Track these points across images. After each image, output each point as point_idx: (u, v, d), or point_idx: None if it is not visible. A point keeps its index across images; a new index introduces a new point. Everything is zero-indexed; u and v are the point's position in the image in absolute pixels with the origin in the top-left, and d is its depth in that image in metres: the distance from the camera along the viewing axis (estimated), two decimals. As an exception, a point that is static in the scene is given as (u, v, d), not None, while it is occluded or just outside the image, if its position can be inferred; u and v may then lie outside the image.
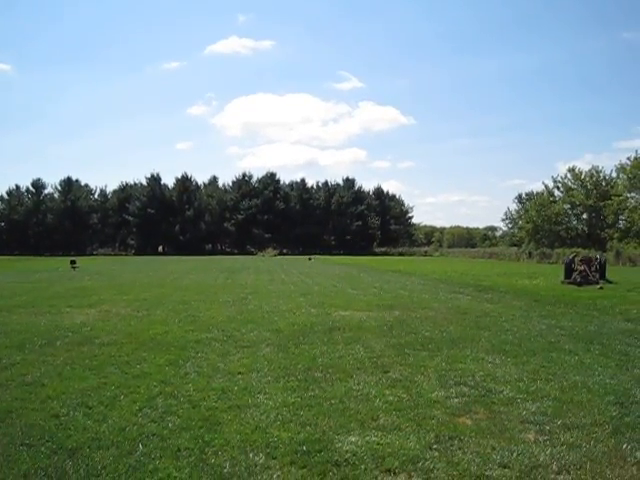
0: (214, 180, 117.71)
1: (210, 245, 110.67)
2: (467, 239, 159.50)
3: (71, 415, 7.32)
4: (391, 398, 8.03)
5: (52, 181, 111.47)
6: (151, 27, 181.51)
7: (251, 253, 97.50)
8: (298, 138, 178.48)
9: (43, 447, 6.26)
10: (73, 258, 49.90)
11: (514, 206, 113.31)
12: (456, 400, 7.98)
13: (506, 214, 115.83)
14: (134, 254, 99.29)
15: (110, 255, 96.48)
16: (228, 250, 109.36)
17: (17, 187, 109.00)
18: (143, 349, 11.49)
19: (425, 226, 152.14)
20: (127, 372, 9.54)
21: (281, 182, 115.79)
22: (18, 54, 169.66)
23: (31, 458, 5.94)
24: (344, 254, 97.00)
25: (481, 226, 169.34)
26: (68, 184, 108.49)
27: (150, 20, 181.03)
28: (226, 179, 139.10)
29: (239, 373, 9.47)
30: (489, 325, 14.92)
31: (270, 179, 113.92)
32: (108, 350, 11.38)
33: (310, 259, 70.16)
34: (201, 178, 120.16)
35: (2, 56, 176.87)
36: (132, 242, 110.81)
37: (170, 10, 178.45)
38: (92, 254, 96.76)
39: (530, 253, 73.00)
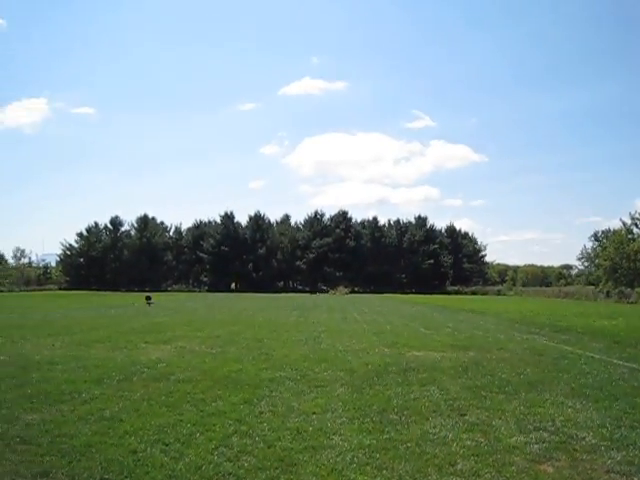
0: (286, 218, 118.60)
1: (282, 283, 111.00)
2: (541, 278, 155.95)
3: (149, 451, 7.40)
4: (469, 442, 7.86)
5: (129, 218, 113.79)
6: (228, 71, 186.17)
7: (323, 291, 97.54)
8: (370, 176, 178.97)
9: (121, 483, 6.34)
10: (148, 294, 50.76)
11: (590, 244, 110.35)
12: (536, 446, 7.76)
13: (582, 252, 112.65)
14: (207, 291, 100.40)
15: (184, 291, 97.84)
16: (300, 288, 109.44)
17: (96, 224, 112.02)
18: (218, 387, 11.56)
19: (498, 264, 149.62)
20: (202, 410, 9.61)
21: (352, 220, 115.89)
22: (100, 97, 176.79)
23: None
24: (416, 292, 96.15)
25: (556, 264, 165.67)
26: (144, 221, 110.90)
27: (227, 64, 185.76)
28: (298, 217, 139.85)
29: (314, 413, 9.43)
30: (567, 368, 14.52)
31: (342, 217, 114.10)
32: (184, 387, 11.50)
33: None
34: (273, 216, 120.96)
35: (85, 99, 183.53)
36: (205, 279, 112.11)
37: (246, 54, 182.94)
38: (166, 290, 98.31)
39: (608, 292, 71.08)
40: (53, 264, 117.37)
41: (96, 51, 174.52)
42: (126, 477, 6.52)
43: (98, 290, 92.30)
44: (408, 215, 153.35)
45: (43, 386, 11.45)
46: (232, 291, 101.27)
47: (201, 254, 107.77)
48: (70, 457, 7.17)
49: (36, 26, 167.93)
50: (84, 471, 6.70)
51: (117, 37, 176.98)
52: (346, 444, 7.76)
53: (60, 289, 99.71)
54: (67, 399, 10.40)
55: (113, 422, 8.78)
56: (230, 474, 6.63)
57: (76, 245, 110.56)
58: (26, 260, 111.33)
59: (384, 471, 6.76)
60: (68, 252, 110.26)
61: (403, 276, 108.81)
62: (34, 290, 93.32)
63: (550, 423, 8.91)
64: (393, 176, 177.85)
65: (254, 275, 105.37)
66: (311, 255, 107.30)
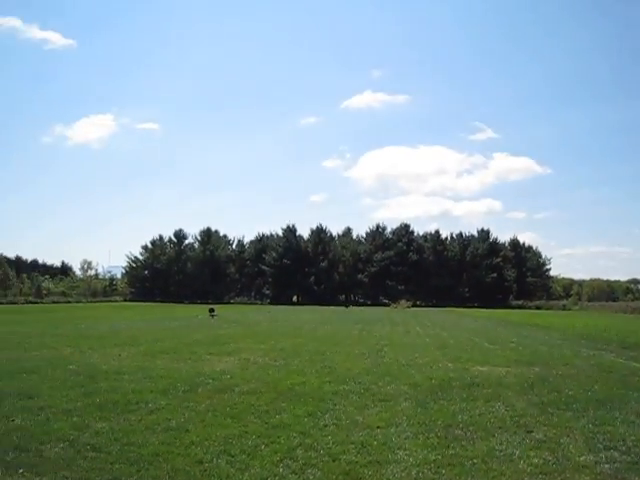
0: (348, 231, 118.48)
1: (343, 296, 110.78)
2: (608, 292, 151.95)
3: (214, 462, 7.47)
4: (536, 460, 7.71)
5: (193, 231, 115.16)
6: (290, 85, 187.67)
7: (384, 304, 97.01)
8: (432, 189, 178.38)
9: (189, 493, 6.41)
10: (212, 306, 51.29)
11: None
12: (607, 466, 7.57)
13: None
14: (269, 303, 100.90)
15: (246, 304, 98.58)
16: (361, 301, 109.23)
17: (160, 237, 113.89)
18: (282, 399, 11.61)
19: (563, 278, 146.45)
20: (267, 422, 9.66)
21: (414, 233, 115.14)
22: (164, 113, 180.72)
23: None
24: (478, 307, 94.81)
25: (623, 279, 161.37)
26: (208, 234, 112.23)
27: (288, 79, 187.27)
28: (360, 231, 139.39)
29: (378, 427, 9.39)
30: (638, 385, 14.14)
31: (404, 231, 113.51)
32: (248, 399, 11.58)
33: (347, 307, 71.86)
34: (335, 229, 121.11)
35: (150, 115, 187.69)
36: (267, 292, 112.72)
37: (307, 68, 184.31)
38: (229, 302, 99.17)
39: (679, 309, 69.09)
40: (119, 276, 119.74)
41: (160, 69, 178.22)
42: (193, 487, 6.60)
43: (162, 302, 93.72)
44: (470, 228, 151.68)
45: (111, 395, 11.69)
46: (294, 304, 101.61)
47: (263, 267, 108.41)
48: (138, 466, 7.29)
49: (104, 46, 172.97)
50: (152, 480, 6.81)
51: (180, 54, 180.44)
52: (411, 459, 7.70)
53: (125, 300, 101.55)
54: (134, 409, 10.59)
55: (179, 432, 8.91)
56: (295, 486, 6.66)
57: (141, 257, 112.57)
58: (93, 272, 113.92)
59: (450, 487, 6.69)
60: (133, 264, 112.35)
61: (466, 290, 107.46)
62: (100, 301, 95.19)
63: (621, 442, 8.68)
64: (455, 189, 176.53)
65: (316, 288, 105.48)
66: (373, 268, 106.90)
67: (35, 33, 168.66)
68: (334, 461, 7.59)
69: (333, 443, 8.40)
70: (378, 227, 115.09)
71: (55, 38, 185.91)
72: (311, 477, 6.97)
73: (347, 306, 73.93)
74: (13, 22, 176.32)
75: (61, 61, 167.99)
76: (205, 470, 7.16)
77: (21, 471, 7.03)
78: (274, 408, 10.74)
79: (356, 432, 9.08)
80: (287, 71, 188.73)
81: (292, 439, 8.59)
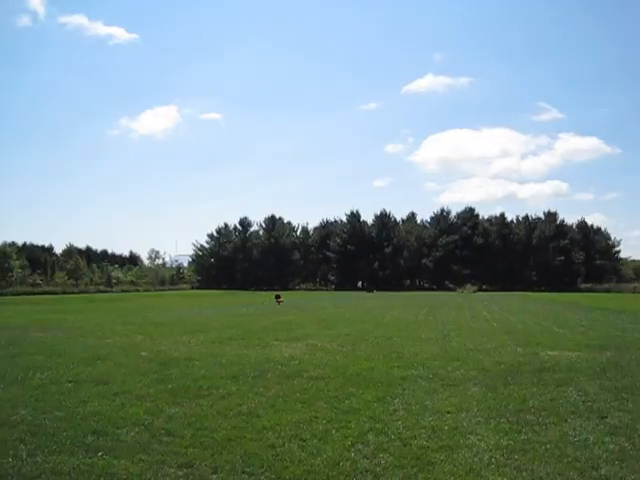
0: (412, 216, 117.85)
1: (408, 281, 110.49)
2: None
3: (286, 447, 7.55)
4: (612, 446, 7.55)
5: (257, 219, 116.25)
6: (350, 71, 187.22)
7: (450, 289, 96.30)
8: (496, 172, 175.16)
9: (263, 476, 6.52)
10: (278, 293, 51.70)
11: None
12: (686, 452, 7.37)
13: None
14: (334, 289, 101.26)
15: (311, 290, 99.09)
16: (426, 286, 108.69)
17: (226, 225, 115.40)
18: (350, 384, 11.65)
19: (633, 261, 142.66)
20: (337, 407, 9.70)
21: (479, 217, 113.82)
22: (226, 103, 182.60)
23: (251, 487, 6.18)
24: (546, 290, 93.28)
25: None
26: (272, 222, 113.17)
27: (349, 64, 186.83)
28: (424, 215, 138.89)
29: (448, 412, 9.34)
30: None
31: (468, 214, 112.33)
32: (317, 384, 11.65)
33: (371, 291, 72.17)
34: (399, 214, 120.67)
35: (213, 105, 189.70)
36: (332, 278, 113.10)
37: (368, 53, 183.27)
38: (294, 289, 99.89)
39: None
40: (185, 265, 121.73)
41: (221, 59, 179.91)
42: (266, 471, 6.67)
43: (228, 289, 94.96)
44: (537, 211, 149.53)
45: (183, 381, 11.90)
46: (359, 289, 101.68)
47: (328, 253, 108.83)
48: (212, 450, 7.42)
49: (165, 39, 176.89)
50: (226, 464, 6.91)
51: (240, 46, 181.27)
52: (483, 444, 7.64)
53: (192, 288, 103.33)
54: (206, 394, 10.76)
55: (251, 417, 9.02)
56: (367, 471, 6.68)
57: (207, 246, 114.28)
58: (160, 261, 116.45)
59: (523, 473, 6.61)
60: (199, 253, 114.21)
61: (532, 273, 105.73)
62: (168, 290, 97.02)
63: (699, 428, 8.44)
64: (520, 171, 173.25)
65: (380, 273, 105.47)
66: (437, 253, 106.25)
67: (100, 29, 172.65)
68: (405, 446, 7.59)
69: (404, 428, 8.40)
70: (442, 211, 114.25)
71: (119, 33, 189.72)
72: (383, 462, 6.98)
73: (371, 291, 74.71)
74: (79, 20, 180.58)
75: (125, 55, 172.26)
76: (277, 455, 7.24)
77: (100, 454, 7.23)
78: (343, 393, 10.78)
79: (426, 417, 9.05)
80: (348, 57, 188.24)
81: (362, 424, 8.61)
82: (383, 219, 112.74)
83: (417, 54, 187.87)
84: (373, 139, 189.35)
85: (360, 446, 7.56)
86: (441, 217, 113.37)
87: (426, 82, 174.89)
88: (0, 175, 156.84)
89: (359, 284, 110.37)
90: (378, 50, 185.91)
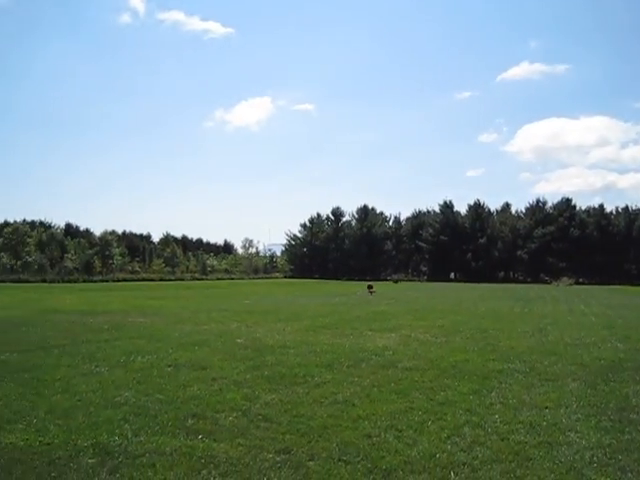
0: (506, 207, 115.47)
1: (502, 273, 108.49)
2: None
3: (382, 437, 7.56)
4: None
5: (350, 209, 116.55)
6: (443, 60, 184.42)
7: (545, 282, 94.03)
8: (594, 161, 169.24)
9: (359, 465, 6.53)
10: (370, 283, 51.70)
11: None
12: None
13: None
14: (426, 280, 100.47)
15: (403, 281, 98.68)
16: (520, 278, 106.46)
17: (318, 215, 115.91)
18: (445, 376, 11.56)
19: None
20: (432, 398, 9.65)
21: (576, 208, 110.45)
22: (318, 93, 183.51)
23: (349, 474, 6.22)
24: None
25: None
26: (364, 212, 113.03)
27: (442, 53, 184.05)
28: (518, 206, 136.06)
29: (546, 407, 9.15)
30: None
31: (565, 205, 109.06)
32: (411, 375, 11.61)
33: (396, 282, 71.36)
34: (493, 205, 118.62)
35: (305, 96, 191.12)
36: (424, 268, 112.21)
37: (461, 43, 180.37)
38: (386, 279, 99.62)
39: None
40: (278, 253, 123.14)
41: (315, 51, 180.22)
42: (362, 460, 6.70)
43: (320, 279, 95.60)
44: (638, 201, 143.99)
45: (278, 369, 12.08)
46: (451, 281, 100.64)
47: (420, 243, 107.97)
48: (309, 437, 7.50)
49: (260, 31, 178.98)
50: (322, 451, 6.98)
51: (333, 36, 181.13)
52: (584, 442, 7.45)
53: (285, 277, 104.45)
54: (301, 382, 10.88)
55: (346, 406, 9.07)
56: (464, 464, 6.61)
57: (300, 235, 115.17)
58: (254, 250, 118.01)
59: (629, 474, 6.39)
60: (292, 242, 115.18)
61: (632, 267, 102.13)
62: (261, 278, 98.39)
63: None
64: (620, 160, 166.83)
65: (473, 264, 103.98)
66: (532, 245, 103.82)
67: (196, 24, 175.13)
68: (502, 440, 7.48)
69: (500, 422, 8.27)
70: (538, 202, 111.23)
71: (215, 27, 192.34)
72: (480, 455, 6.90)
73: (396, 282, 74.40)
74: (176, 16, 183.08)
75: (221, 49, 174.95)
76: (374, 444, 7.25)
77: (200, 437, 7.42)
78: (438, 385, 10.71)
79: (524, 411, 8.89)
80: (441, 46, 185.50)
81: (458, 416, 8.54)
82: (477, 209, 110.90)
83: (512, 42, 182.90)
84: (467, 128, 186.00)
85: (456, 439, 7.50)
86: (536, 208, 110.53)
87: (521, 70, 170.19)
88: (105, 170, 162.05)
89: (451, 275, 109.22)
90: (473, 39, 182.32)
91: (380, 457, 6.78)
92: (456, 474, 6.32)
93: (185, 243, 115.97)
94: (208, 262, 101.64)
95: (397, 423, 8.15)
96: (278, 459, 6.69)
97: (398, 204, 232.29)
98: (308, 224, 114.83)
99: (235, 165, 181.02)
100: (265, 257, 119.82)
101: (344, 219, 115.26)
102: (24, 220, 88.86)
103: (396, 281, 77.17)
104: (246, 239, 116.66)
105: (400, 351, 14.72)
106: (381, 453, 6.92)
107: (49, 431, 7.61)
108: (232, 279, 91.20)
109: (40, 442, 7.19)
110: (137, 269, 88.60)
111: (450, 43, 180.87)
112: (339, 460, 6.67)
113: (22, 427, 7.79)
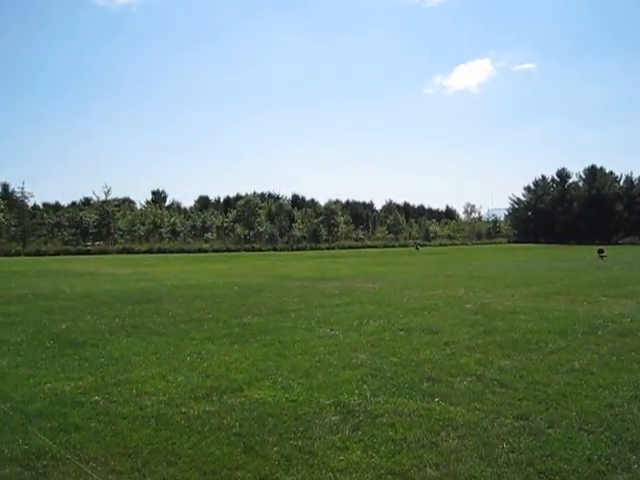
0: None
1: None
2: None
3: (625, 407, 7.26)
4: None
5: (576, 170, 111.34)
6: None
7: None
8: None
9: (602, 435, 6.31)
10: (600, 247, 49.33)
11: None
12: None
13: None
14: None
15: (637, 244, 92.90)
16: None
17: (543, 177, 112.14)
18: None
19: None
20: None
21: None
22: (540, 52, 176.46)
23: (592, 444, 6.04)
24: None
25: None
26: (593, 172, 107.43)
27: None
28: None
29: None
30: None
31: None
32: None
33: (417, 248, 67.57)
34: None
35: (527, 56, 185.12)
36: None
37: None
38: (617, 243, 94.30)
39: None
40: (502, 218, 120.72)
41: (538, 9, 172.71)
42: (605, 430, 6.46)
43: (546, 243, 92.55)
44: None
45: (510, 334, 11.95)
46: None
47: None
48: (546, 404, 7.37)
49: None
50: (562, 419, 6.83)
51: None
52: None
53: (509, 242, 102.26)
54: (534, 348, 10.70)
55: (584, 374, 8.79)
56: None
57: (524, 199, 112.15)
58: (476, 215, 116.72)
59: None
60: (516, 206, 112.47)
61: None
62: (484, 243, 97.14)
63: None
64: None
65: None
66: None
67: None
68: None
69: None
70: None
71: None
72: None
73: (417, 248, 68.44)
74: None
75: (439, 16, 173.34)
76: (617, 415, 6.98)
77: (437, 400, 7.55)
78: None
79: None
80: None
81: None
82: None
83: None
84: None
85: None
86: None
87: None
88: (330, 145, 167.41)
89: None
90: None
91: (625, 429, 6.50)
92: None
93: (407, 210, 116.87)
94: (431, 228, 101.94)
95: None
96: (517, 425, 6.64)
97: (629, 163, 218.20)
98: (532, 187, 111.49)
99: (455, 130, 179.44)
100: (488, 222, 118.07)
101: (570, 180, 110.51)
102: (254, 193, 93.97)
103: (417, 247, 72.98)
104: (468, 204, 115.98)
105: (639, 319, 13.99)
106: (626, 425, 6.64)
107: (293, 389, 8.09)
108: (455, 245, 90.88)
109: (286, 399, 7.67)
110: (361, 236, 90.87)
111: None
112: (580, 429, 6.49)
113: (269, 384, 8.34)
